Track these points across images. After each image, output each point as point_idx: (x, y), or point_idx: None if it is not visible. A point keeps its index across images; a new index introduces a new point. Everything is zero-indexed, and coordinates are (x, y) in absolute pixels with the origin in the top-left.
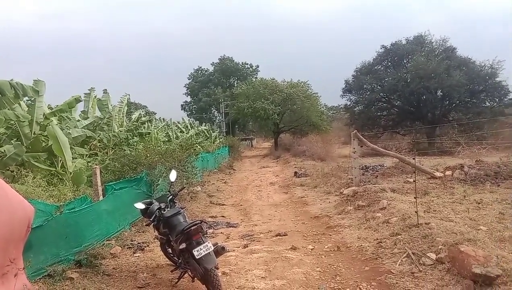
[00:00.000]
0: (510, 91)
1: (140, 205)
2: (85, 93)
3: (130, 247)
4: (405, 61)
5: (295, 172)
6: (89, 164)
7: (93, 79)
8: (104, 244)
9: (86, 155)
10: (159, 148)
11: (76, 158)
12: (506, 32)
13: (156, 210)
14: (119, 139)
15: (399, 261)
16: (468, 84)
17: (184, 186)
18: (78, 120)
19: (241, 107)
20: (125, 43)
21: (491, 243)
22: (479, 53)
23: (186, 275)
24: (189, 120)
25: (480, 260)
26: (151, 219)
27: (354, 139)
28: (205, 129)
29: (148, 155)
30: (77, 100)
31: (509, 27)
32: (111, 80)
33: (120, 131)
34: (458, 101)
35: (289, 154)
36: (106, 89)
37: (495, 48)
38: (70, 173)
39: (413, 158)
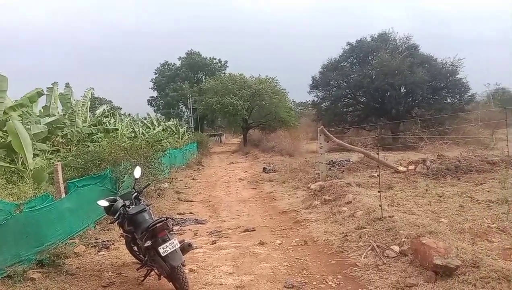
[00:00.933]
0: (470, 88)
1: (103, 203)
2: (47, 88)
3: (94, 246)
4: (370, 58)
5: (264, 168)
6: (51, 161)
7: (53, 74)
8: (67, 243)
9: (48, 151)
10: (124, 144)
11: (37, 154)
12: (466, 30)
13: (120, 207)
14: (82, 135)
15: (364, 254)
16: (430, 81)
17: (150, 183)
18: (39, 116)
19: (209, 102)
20: (86, 36)
21: (451, 235)
22: (440, 50)
23: (152, 273)
24: (155, 115)
25: (441, 252)
26: (115, 217)
27: (320, 135)
28: (172, 125)
29: (113, 151)
30: (39, 93)
31: (469, 24)
32: (73, 75)
33: (84, 127)
34: (421, 98)
35: (258, 150)
36: (68, 83)
37: (456, 45)
38: (31, 170)
39: (377, 153)
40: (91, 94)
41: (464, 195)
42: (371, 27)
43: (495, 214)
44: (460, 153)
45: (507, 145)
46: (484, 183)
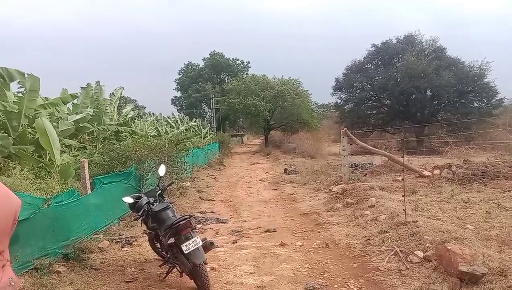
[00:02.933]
0: (498, 92)
1: (128, 199)
2: (81, 87)
3: (118, 241)
4: (395, 60)
5: (285, 169)
6: (77, 157)
7: (79, 73)
8: (91, 238)
9: (75, 148)
10: (148, 142)
11: (64, 151)
12: (494, 34)
13: (144, 204)
14: (108, 133)
15: (387, 258)
16: (457, 84)
17: (173, 181)
18: (67, 113)
19: (232, 103)
20: (112, 36)
21: (477, 241)
22: (468, 54)
23: (174, 270)
24: (179, 115)
25: (467, 259)
26: (139, 214)
27: (343, 137)
28: (195, 125)
29: (138, 149)
30: (73, 96)
31: (497, 28)
32: (98, 74)
33: (111, 125)
34: (447, 101)
35: (279, 151)
36: (99, 81)
37: (484, 49)
38: (58, 166)
39: (402, 157)
40: (121, 93)
41: (491, 201)
42: (395, 29)
43: None
44: (487, 158)
45: None
46: None
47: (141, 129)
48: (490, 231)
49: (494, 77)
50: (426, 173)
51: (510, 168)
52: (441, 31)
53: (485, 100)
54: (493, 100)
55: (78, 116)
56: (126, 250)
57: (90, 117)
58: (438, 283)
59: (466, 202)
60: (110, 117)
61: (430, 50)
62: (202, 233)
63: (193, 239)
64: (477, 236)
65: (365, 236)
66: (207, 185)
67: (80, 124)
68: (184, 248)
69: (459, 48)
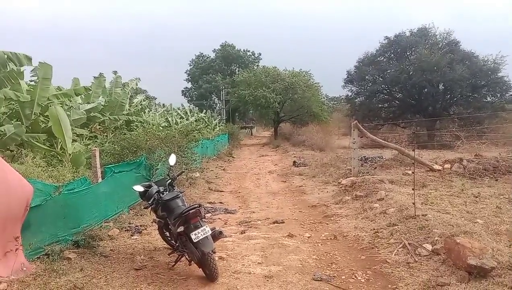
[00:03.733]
0: None
1: (139, 188)
2: (94, 77)
3: (128, 230)
4: (408, 53)
5: (294, 162)
6: (89, 146)
7: (92, 63)
8: (102, 226)
9: (86, 137)
10: (159, 133)
11: (75, 140)
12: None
13: (155, 193)
14: (120, 123)
15: (395, 251)
16: (471, 78)
17: (183, 171)
18: (80, 103)
19: (242, 94)
20: (123, 27)
21: (487, 236)
22: (482, 47)
23: (183, 258)
24: (189, 106)
25: (476, 252)
26: (149, 202)
27: (354, 130)
28: (205, 116)
29: (148, 139)
30: (87, 89)
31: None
32: (111, 64)
33: (122, 115)
34: (459, 95)
35: (288, 144)
36: (116, 72)
37: (499, 42)
38: (70, 154)
39: (413, 150)
40: (136, 84)
41: (502, 196)
42: (410, 23)
43: None
44: (499, 153)
45: None
46: None
47: (152, 119)
48: (500, 225)
49: (508, 71)
50: (437, 167)
51: None
52: (458, 25)
53: (499, 95)
54: (507, 94)
55: (89, 106)
56: (136, 238)
57: (102, 106)
58: (446, 276)
59: (476, 197)
60: (122, 107)
61: (444, 44)
62: (211, 223)
63: (202, 228)
64: (486, 230)
65: (374, 229)
66: (216, 176)
67: (91, 114)
68: (193, 236)
69: (476, 41)
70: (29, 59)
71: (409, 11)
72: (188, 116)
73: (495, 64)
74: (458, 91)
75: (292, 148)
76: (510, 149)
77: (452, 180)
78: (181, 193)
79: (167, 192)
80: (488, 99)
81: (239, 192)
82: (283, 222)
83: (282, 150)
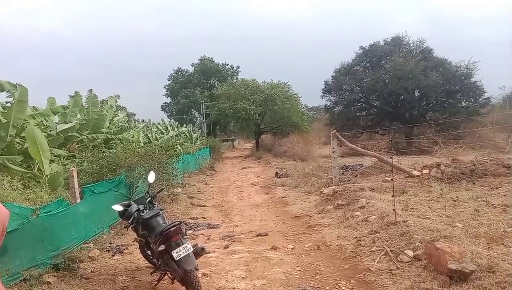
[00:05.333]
0: (485, 91)
1: (118, 207)
2: (70, 96)
3: (109, 250)
4: (383, 62)
5: (276, 173)
6: (67, 166)
7: (71, 81)
8: (82, 247)
9: (64, 157)
10: (138, 149)
11: (53, 160)
12: (481, 34)
13: (134, 212)
14: (98, 142)
15: (378, 258)
16: (445, 84)
17: (163, 187)
18: (56, 123)
19: (222, 107)
20: (101, 43)
21: (466, 239)
22: (455, 54)
23: (165, 277)
24: (169, 121)
25: (456, 256)
26: (129, 221)
27: (333, 139)
28: (185, 130)
29: (127, 156)
30: (65, 107)
31: (484, 28)
32: (90, 82)
33: (100, 133)
34: (435, 101)
35: (270, 155)
36: (91, 90)
37: (470, 49)
38: (47, 176)
39: (391, 157)
40: (115, 101)
41: (479, 199)
42: (384, 32)
43: (511, 218)
44: (475, 157)
45: None
46: (499, 187)
47: (132, 136)
48: (479, 228)
49: (480, 76)
50: (415, 173)
51: (498, 166)
52: (432, 33)
53: (473, 99)
54: (480, 99)
55: (67, 126)
56: (117, 259)
57: (80, 126)
58: (428, 282)
59: (455, 201)
60: (101, 125)
61: (417, 51)
62: (194, 239)
63: (183, 246)
64: (466, 234)
65: (356, 237)
66: (198, 191)
67: (69, 133)
68: (174, 254)
69: (450, 49)
70: (13, 86)
71: (383, 22)
72: (168, 131)
73: (468, 69)
74: (433, 97)
75: (274, 159)
76: (486, 152)
77: (431, 185)
78: (161, 210)
79: (147, 210)
80: (463, 104)
81: (222, 206)
82: (267, 235)
83: (264, 162)
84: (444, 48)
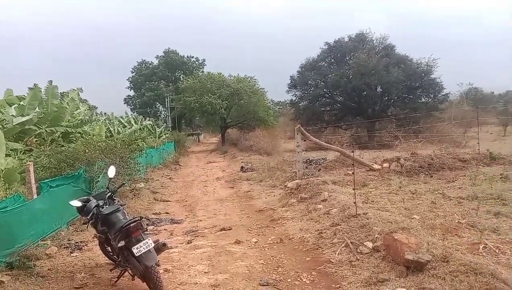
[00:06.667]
0: (444, 88)
1: (76, 203)
2: (29, 88)
3: (67, 247)
4: (347, 58)
5: (242, 167)
6: (23, 161)
7: (31, 73)
8: (38, 244)
9: (21, 151)
10: (99, 143)
11: (9, 155)
12: (441, 32)
13: (93, 207)
14: (57, 135)
15: (338, 250)
16: (406, 80)
17: (124, 182)
18: (13, 116)
19: (187, 101)
20: (59, 35)
21: (423, 230)
22: (418, 51)
23: (126, 273)
24: (132, 114)
25: (412, 247)
26: (88, 217)
27: (297, 134)
28: (149, 124)
29: (87, 150)
30: (20, 98)
31: (443, 27)
32: (51, 73)
33: (60, 126)
34: (396, 97)
35: (236, 149)
36: (51, 81)
37: (433, 47)
38: (2, 170)
39: (352, 152)
40: (78, 94)
41: (436, 192)
42: (351, 29)
43: (465, 210)
44: (433, 151)
45: (478, 143)
46: (455, 180)
47: (93, 130)
48: (435, 220)
49: (440, 73)
50: (376, 166)
51: (454, 159)
52: (394, 31)
53: (432, 96)
54: (439, 95)
55: (24, 118)
56: (76, 256)
57: (38, 119)
58: (386, 272)
59: (413, 193)
60: (60, 118)
61: (380, 48)
62: (156, 234)
63: (144, 241)
64: (422, 225)
65: (318, 230)
66: (162, 186)
67: (26, 127)
68: (135, 250)
69: (410, 46)
70: None
71: (349, 20)
72: (132, 124)
73: (428, 66)
74: (395, 93)
75: (240, 154)
76: (444, 147)
77: (391, 178)
78: (122, 206)
79: (107, 206)
80: (423, 100)
81: (186, 201)
82: (231, 229)
83: (230, 156)
84: (405, 46)
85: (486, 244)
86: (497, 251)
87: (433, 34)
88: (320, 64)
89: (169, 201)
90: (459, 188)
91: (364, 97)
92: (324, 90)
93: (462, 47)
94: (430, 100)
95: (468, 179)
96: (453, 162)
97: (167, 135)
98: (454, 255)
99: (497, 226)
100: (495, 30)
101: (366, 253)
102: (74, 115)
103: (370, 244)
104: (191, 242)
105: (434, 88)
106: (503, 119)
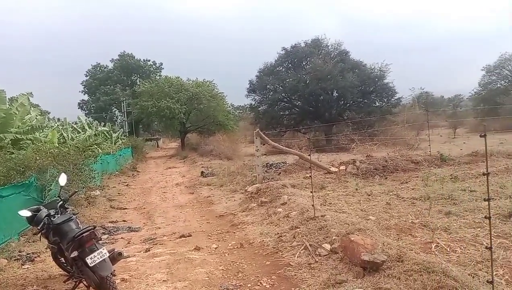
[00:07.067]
0: (397, 92)
1: (25, 213)
2: None
3: (18, 259)
4: (304, 63)
5: (202, 172)
6: None
7: None
8: None
9: None
10: (51, 150)
11: None
12: (393, 37)
13: (44, 217)
14: (6, 142)
15: (298, 253)
16: (360, 85)
17: (77, 190)
18: None
19: (144, 106)
20: (10, 37)
21: (378, 231)
22: (372, 58)
23: (81, 284)
24: (86, 119)
25: (368, 248)
26: (39, 227)
27: (256, 138)
28: (105, 129)
29: (38, 158)
30: None
31: (395, 33)
32: None
33: (8, 133)
34: (351, 101)
35: (196, 154)
36: None
37: (387, 53)
38: None
39: (309, 155)
40: (28, 98)
41: (391, 193)
42: (307, 35)
43: (418, 210)
44: (387, 153)
45: (429, 145)
46: (409, 181)
47: (45, 136)
48: (390, 220)
49: (392, 78)
50: (333, 169)
51: (407, 161)
52: (350, 37)
53: (386, 100)
54: (392, 99)
55: None
56: (28, 268)
57: None
58: (344, 273)
59: (369, 195)
60: (9, 124)
61: (336, 54)
62: (113, 243)
63: (98, 251)
64: (378, 226)
65: (278, 233)
66: (118, 193)
67: None
68: (89, 261)
69: (365, 52)
70: None
71: (304, 24)
72: (86, 130)
73: (381, 71)
74: (350, 97)
75: (200, 158)
76: (397, 149)
77: (348, 181)
78: (74, 215)
79: (58, 215)
80: (377, 104)
81: (144, 208)
82: (190, 235)
83: (190, 161)
84: (364, 53)
85: (438, 243)
86: (448, 249)
87: (387, 40)
88: (278, 69)
89: (126, 208)
90: (412, 189)
91: (321, 101)
92: (283, 94)
93: (416, 54)
94: (384, 104)
95: (421, 180)
96: (406, 164)
97: (124, 141)
98: (408, 254)
99: (448, 225)
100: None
101: (325, 255)
102: (24, 121)
103: (328, 246)
104: (149, 250)
105: (387, 93)
106: (453, 122)
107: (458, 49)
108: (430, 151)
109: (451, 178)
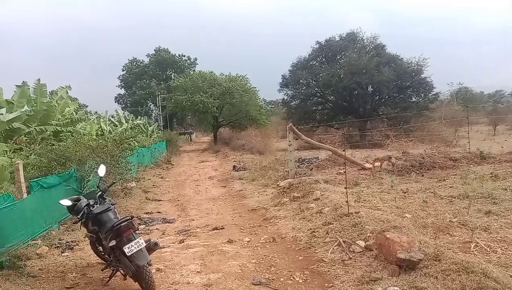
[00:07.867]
0: (434, 87)
1: (66, 202)
2: (16, 85)
3: (58, 247)
4: (338, 57)
5: (234, 166)
6: (13, 160)
7: (22, 70)
8: (29, 244)
9: (10, 150)
10: (90, 142)
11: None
12: (430, 32)
13: (84, 206)
14: (48, 134)
15: (331, 249)
16: (396, 80)
17: (115, 181)
18: (1, 114)
19: (179, 100)
20: (49, 33)
21: (414, 229)
22: (406, 50)
23: (118, 273)
24: (123, 113)
25: (404, 246)
26: (79, 217)
27: (289, 133)
28: (141, 123)
29: (78, 150)
30: (9, 102)
31: (431, 27)
32: (38, 71)
33: (49, 125)
34: (387, 96)
35: (228, 148)
36: (39, 79)
37: (422, 46)
38: None
39: (344, 151)
40: (66, 92)
41: (428, 191)
42: (340, 28)
43: (457, 209)
44: (424, 150)
45: (468, 142)
46: (446, 179)
47: (84, 129)
48: (427, 219)
49: (430, 72)
50: (368, 165)
51: (445, 158)
52: (384, 31)
53: (423, 95)
54: (430, 94)
55: (12, 115)
56: (67, 255)
57: (27, 117)
58: (378, 271)
59: (404, 192)
60: (50, 117)
61: (371, 47)
62: (148, 234)
63: (135, 241)
64: (414, 224)
65: (310, 229)
66: (153, 185)
67: (13, 124)
68: (126, 250)
69: (401, 45)
70: None
71: (340, 19)
72: (123, 123)
73: (418, 66)
74: (386, 92)
75: (232, 153)
76: (434, 146)
77: (382, 178)
78: (113, 205)
79: (97, 205)
80: (413, 99)
81: (178, 200)
82: (223, 228)
83: (222, 155)
84: (398, 46)
85: (477, 243)
86: (488, 249)
87: (423, 34)
88: (311, 63)
89: (161, 200)
90: (450, 187)
91: (355, 96)
92: (316, 89)
93: (451, 46)
94: (420, 99)
95: (459, 178)
96: (444, 161)
97: (158, 134)
98: (446, 253)
99: (488, 225)
100: (480, 31)
101: (359, 252)
102: (64, 113)
103: (362, 243)
104: (183, 242)
105: (424, 88)
106: (493, 118)
107: (500, 42)
108: (469, 148)
109: (491, 177)
